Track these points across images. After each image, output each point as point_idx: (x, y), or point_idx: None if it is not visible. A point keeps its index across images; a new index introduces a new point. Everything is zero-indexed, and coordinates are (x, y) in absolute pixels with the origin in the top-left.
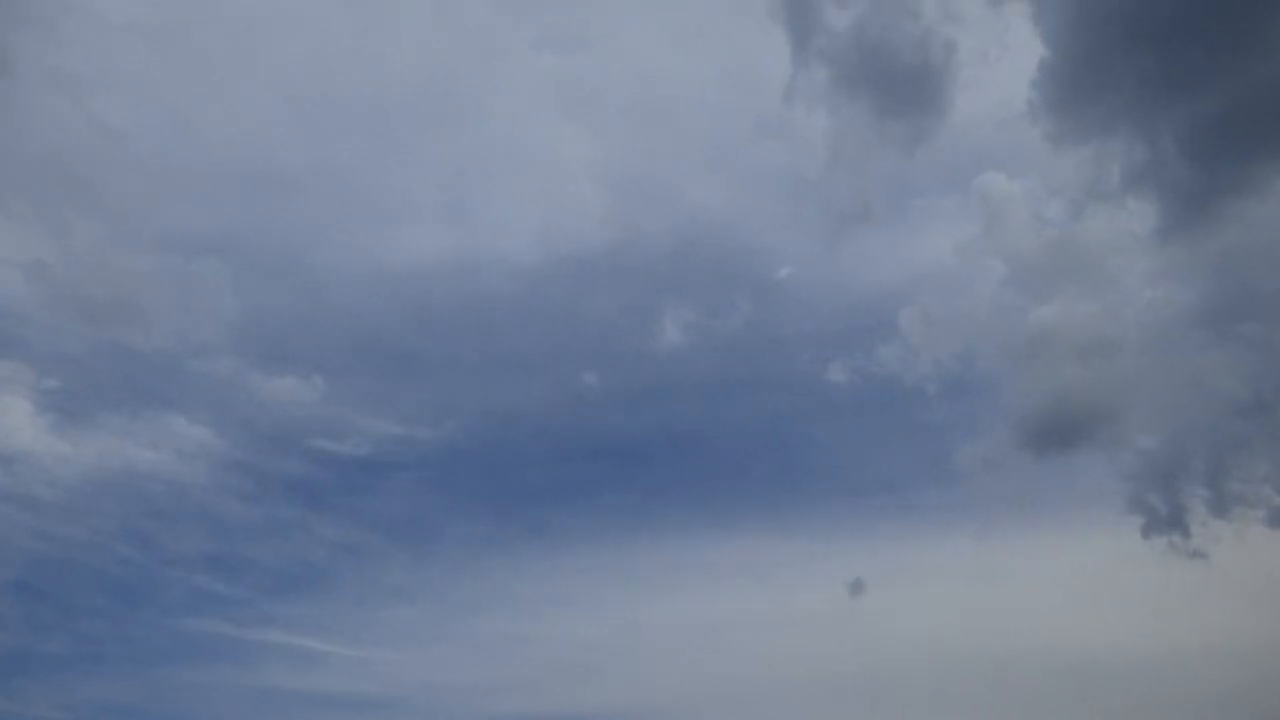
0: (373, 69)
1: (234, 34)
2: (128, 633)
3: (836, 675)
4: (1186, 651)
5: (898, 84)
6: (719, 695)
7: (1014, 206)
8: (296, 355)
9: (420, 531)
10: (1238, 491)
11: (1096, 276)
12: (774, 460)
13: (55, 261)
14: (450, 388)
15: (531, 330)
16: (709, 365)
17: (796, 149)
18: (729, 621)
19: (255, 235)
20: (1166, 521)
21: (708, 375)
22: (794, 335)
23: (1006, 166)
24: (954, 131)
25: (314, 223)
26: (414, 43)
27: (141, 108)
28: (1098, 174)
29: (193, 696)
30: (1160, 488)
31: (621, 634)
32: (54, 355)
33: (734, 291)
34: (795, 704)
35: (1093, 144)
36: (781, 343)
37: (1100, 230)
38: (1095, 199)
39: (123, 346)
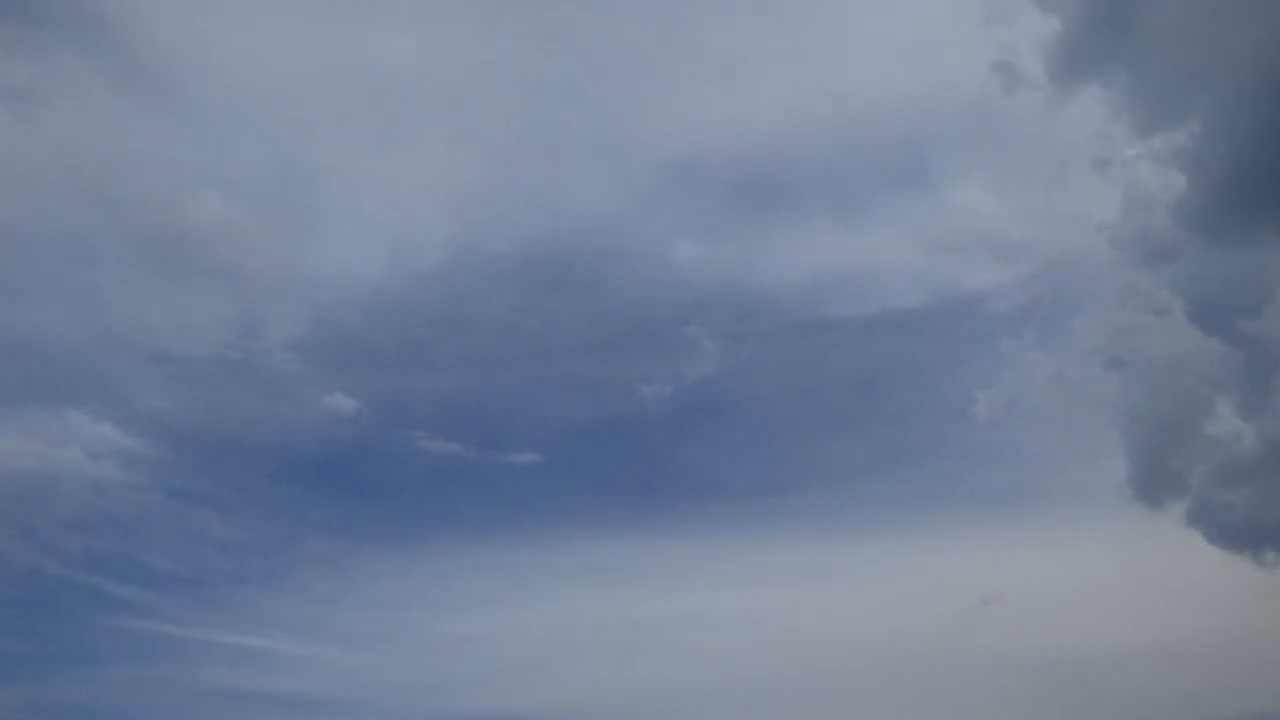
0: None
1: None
2: (75, 632)
3: (801, 675)
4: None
5: None
6: (675, 694)
7: None
8: None
9: (368, 530)
10: None
11: None
12: (738, 459)
13: None
14: (394, 387)
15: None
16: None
17: None
18: (689, 620)
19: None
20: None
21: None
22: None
23: None
24: None
25: None
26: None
27: None
28: None
29: (137, 697)
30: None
31: (574, 632)
32: None
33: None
34: (761, 703)
35: None
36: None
37: None
38: None
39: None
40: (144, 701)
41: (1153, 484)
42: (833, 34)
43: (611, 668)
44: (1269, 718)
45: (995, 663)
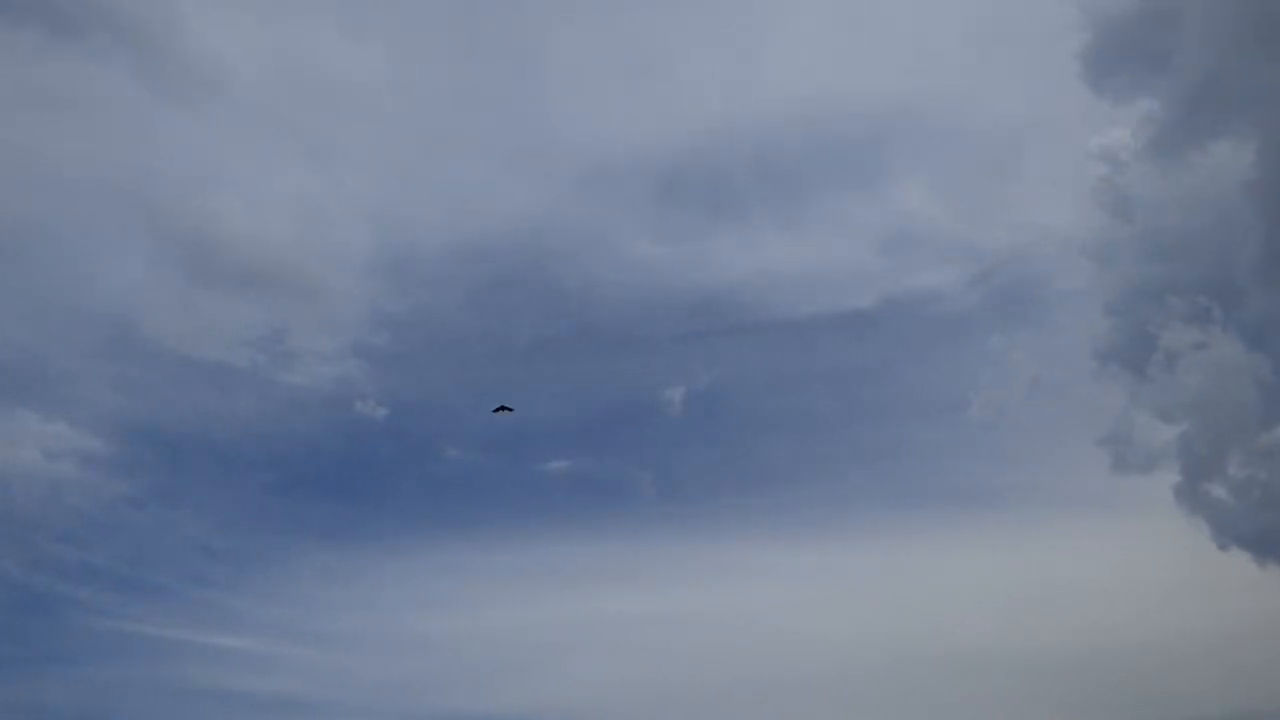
0: None
1: None
2: (46, 632)
3: (794, 675)
4: None
5: None
6: (669, 693)
7: None
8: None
9: (355, 534)
10: None
11: None
12: (728, 460)
13: None
14: (384, 390)
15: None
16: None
17: None
18: (676, 620)
19: None
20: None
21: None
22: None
23: None
24: None
25: None
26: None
27: None
28: None
29: (107, 696)
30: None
31: (564, 632)
32: None
33: None
34: (754, 702)
35: None
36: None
37: None
38: None
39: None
40: (120, 703)
41: (1180, 490)
42: (780, 34)
43: (603, 667)
44: (1271, 715)
45: (991, 662)
